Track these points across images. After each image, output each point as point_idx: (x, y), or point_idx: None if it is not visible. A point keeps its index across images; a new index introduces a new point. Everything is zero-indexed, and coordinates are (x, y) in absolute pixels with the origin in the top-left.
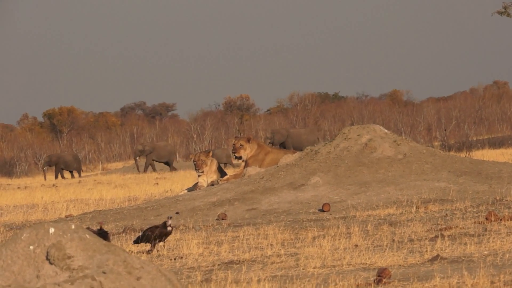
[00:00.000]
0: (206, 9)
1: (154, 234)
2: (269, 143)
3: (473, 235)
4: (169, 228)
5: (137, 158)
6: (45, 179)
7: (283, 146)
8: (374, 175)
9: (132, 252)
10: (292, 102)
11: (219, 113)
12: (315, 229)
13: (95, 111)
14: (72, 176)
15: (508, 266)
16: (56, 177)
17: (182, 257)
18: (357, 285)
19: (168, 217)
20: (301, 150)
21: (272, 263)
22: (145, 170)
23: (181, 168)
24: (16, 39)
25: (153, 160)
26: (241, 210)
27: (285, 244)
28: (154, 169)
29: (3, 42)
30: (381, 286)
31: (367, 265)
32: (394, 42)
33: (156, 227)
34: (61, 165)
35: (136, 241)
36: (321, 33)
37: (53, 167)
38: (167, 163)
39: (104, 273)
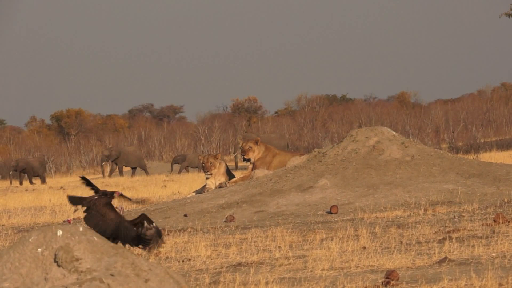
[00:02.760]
0: (214, 11)
1: None
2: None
3: (481, 237)
4: None
5: (103, 163)
6: (10, 183)
7: None
8: (382, 177)
9: (140, 254)
10: (300, 104)
11: (227, 115)
12: (323, 231)
13: (103, 114)
14: (42, 182)
15: None
16: (21, 182)
17: (190, 259)
18: (365, 287)
19: None
20: None
21: (280, 265)
22: (109, 175)
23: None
24: (24, 41)
25: (121, 165)
26: (249, 212)
27: (293, 246)
28: (121, 174)
29: (11, 44)
30: None
31: (375, 267)
32: (402, 44)
33: None
34: (28, 171)
35: None
36: (329, 35)
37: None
38: (135, 169)
39: (112, 275)
